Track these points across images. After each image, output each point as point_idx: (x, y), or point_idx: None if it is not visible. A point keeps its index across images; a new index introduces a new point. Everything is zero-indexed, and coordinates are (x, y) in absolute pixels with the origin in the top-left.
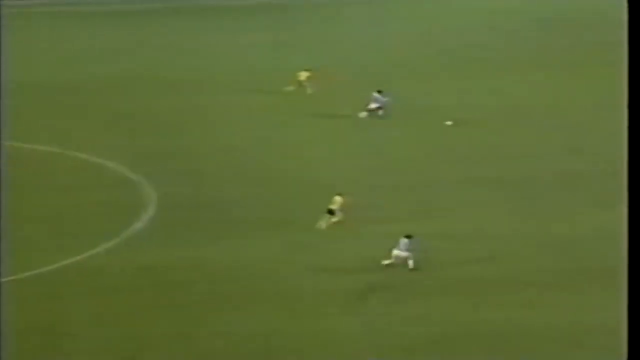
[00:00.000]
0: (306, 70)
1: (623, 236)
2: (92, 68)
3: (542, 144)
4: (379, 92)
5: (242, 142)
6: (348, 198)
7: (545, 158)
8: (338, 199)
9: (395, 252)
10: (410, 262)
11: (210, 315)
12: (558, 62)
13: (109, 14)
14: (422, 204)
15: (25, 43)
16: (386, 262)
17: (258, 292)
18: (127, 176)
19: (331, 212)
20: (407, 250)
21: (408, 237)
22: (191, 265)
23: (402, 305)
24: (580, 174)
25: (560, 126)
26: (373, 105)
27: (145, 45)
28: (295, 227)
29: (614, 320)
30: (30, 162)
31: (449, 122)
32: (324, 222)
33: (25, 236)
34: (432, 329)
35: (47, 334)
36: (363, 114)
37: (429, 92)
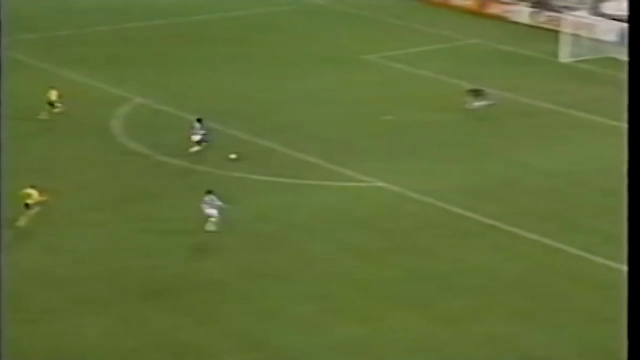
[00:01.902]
0: (53, 87)
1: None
2: None
3: None
4: (199, 120)
5: None
6: (41, 189)
7: None
8: (31, 192)
9: (208, 210)
10: (212, 225)
11: None
12: None
13: None
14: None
15: None
16: (210, 228)
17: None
18: None
19: (27, 206)
20: (215, 207)
21: (209, 192)
22: None
23: None
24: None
25: None
26: (196, 137)
27: None
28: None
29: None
30: None
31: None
32: (23, 219)
33: None
34: None
35: None
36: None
37: None
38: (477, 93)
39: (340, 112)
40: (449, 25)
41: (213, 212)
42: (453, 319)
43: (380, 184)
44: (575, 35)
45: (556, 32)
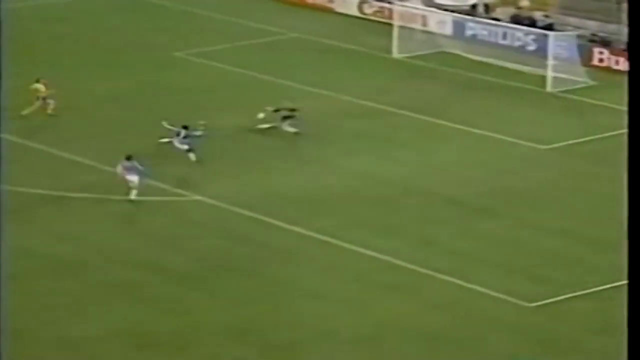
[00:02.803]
0: (39, 81)
1: None
2: None
3: None
4: (185, 127)
5: None
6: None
7: None
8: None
9: (128, 176)
10: (134, 193)
11: None
12: None
13: None
14: None
15: None
16: (133, 197)
17: None
18: None
19: None
20: (137, 172)
21: (129, 158)
22: None
23: None
24: None
25: None
26: (184, 146)
27: None
28: None
29: None
30: None
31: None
32: None
33: None
34: None
35: None
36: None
37: None
38: (287, 112)
39: (147, 118)
40: (267, 18)
41: (134, 178)
42: (283, 350)
43: (197, 197)
44: (408, 28)
45: (388, 24)
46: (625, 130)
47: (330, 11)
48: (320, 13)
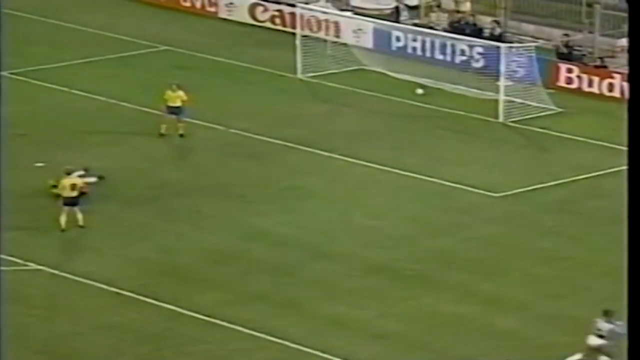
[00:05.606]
0: (175, 89)
1: None
2: None
3: None
4: (607, 314)
5: None
6: None
7: None
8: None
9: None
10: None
11: None
12: None
13: None
14: None
15: None
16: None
17: None
18: None
19: None
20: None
21: (608, 314)
22: None
23: None
24: None
25: None
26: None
27: None
28: None
29: None
30: None
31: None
32: None
33: None
34: None
35: None
36: None
37: None
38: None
39: None
40: (130, 26)
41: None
42: None
43: (38, 267)
44: (315, 39)
45: (289, 34)
46: (601, 172)
47: (213, 17)
48: (200, 19)
